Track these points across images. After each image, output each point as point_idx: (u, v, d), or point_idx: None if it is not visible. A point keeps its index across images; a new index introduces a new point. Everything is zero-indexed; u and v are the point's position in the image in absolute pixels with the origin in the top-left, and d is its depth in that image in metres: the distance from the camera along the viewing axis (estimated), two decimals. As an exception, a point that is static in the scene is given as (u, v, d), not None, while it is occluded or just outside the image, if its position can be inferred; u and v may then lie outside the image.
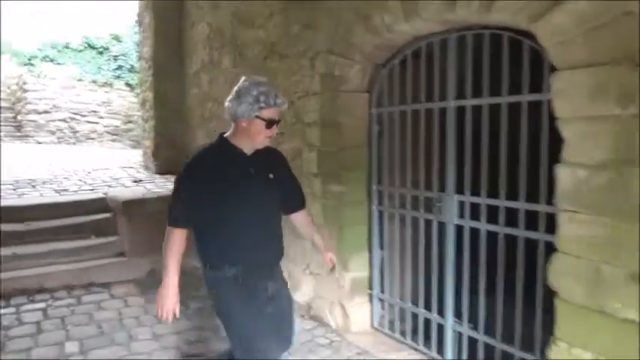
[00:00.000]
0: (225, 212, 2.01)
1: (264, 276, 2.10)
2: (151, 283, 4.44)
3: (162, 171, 6.91)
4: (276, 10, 4.04)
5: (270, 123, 1.98)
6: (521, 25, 2.20)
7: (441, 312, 2.97)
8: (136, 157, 8.45)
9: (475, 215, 2.70)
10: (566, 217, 1.98)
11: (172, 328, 3.48)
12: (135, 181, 6.44)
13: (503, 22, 2.32)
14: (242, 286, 2.03)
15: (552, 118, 2.06)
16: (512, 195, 2.47)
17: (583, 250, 1.92)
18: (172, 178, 6.31)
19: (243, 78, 2.04)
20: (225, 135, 2.09)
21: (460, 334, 2.87)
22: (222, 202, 2.00)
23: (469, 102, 2.71)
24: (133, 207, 4.85)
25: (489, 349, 2.67)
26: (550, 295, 2.11)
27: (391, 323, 3.41)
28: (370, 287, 3.51)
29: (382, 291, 3.45)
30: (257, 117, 1.95)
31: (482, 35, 2.53)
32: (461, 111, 2.75)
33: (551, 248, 2.12)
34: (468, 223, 2.75)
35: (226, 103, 2.01)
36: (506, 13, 2.16)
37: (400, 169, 3.22)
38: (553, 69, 2.05)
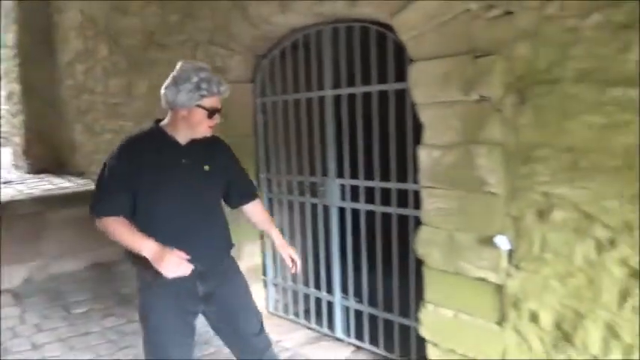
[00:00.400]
0: (150, 204, 1.85)
1: (191, 275, 1.81)
2: (28, 292, 4.12)
3: (35, 170, 6.33)
4: (153, -3, 3.91)
5: (212, 112, 1.83)
6: (384, 20, 2.39)
7: (329, 290, 3.15)
8: (4, 155, 7.62)
9: (355, 197, 2.89)
10: (427, 193, 2.23)
11: (54, 336, 3.28)
12: (4, 183, 5.84)
13: (369, 16, 2.50)
14: (161, 287, 1.83)
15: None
16: (385, 176, 2.69)
17: (440, 221, 2.18)
18: (48, 178, 5.92)
19: (180, 62, 1.85)
20: (160, 123, 1.93)
21: (347, 309, 3.07)
22: (148, 192, 1.84)
23: (344, 91, 2.88)
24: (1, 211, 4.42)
25: (373, 319, 2.90)
26: (420, 264, 2.36)
27: (285, 306, 3.53)
28: (264, 273, 3.60)
29: (276, 276, 3.55)
30: (198, 106, 1.80)
31: (354, 27, 2.71)
32: (338, 99, 2.92)
33: (419, 222, 2.36)
34: (349, 205, 2.94)
35: (163, 90, 1.83)
36: (369, 7, 2.34)
37: (286, 156, 3.33)
38: (412, 60, 2.26)
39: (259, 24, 3.00)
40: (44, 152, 6.33)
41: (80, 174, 5.90)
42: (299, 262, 2.12)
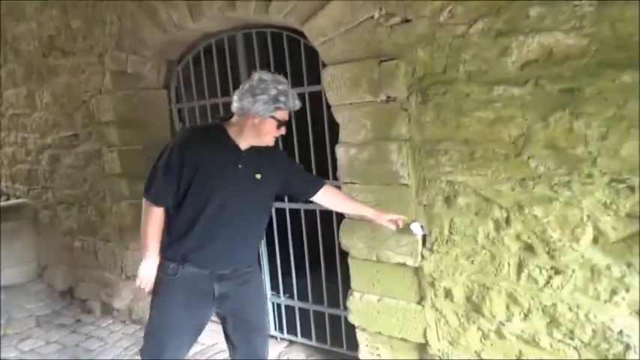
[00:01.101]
0: (195, 198, 1.87)
1: (210, 276, 1.93)
2: None
3: None
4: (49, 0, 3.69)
5: (282, 124, 1.89)
6: (295, 26, 2.48)
7: (260, 289, 3.21)
8: None
9: (280, 196, 2.96)
10: (346, 188, 2.36)
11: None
12: None
13: (280, 23, 2.59)
14: (179, 280, 1.92)
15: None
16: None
17: (361, 214, 2.33)
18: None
19: (258, 72, 1.87)
20: (224, 123, 1.95)
21: (279, 306, 3.16)
22: (197, 187, 1.86)
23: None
24: None
25: (305, 313, 3.01)
26: (345, 255, 2.50)
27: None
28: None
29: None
30: (271, 117, 1.84)
31: (266, 33, 2.77)
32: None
33: (342, 217, 2.49)
34: (274, 204, 3.01)
35: (237, 96, 1.85)
36: (279, 14, 2.42)
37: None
38: (324, 64, 2.38)
39: (170, 29, 2.96)
40: None
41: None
42: (401, 217, 2.14)
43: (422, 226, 2.16)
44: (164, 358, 1.95)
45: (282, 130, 1.93)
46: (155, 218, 1.94)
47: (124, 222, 3.53)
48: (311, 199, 2.16)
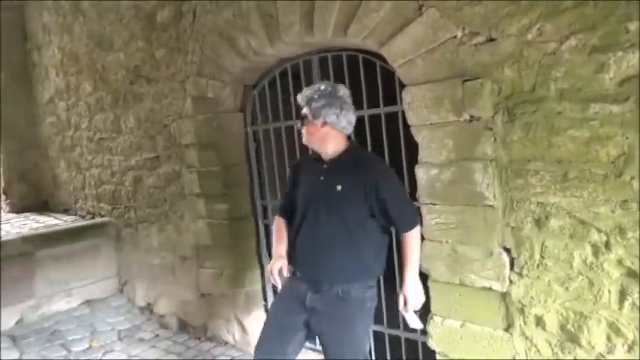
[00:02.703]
0: (297, 214, 2.13)
1: (307, 285, 2.08)
2: (24, 334, 4.03)
3: (17, 209, 6.25)
4: (136, 33, 3.97)
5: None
6: (372, 48, 2.51)
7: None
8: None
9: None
10: (426, 210, 2.33)
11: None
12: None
13: (357, 45, 2.63)
14: (285, 285, 2.17)
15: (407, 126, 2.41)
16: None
17: (442, 235, 2.28)
18: (32, 216, 5.82)
19: (340, 85, 2.20)
20: None
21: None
22: (297, 203, 2.14)
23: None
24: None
25: (379, 336, 2.96)
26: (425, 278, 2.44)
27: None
28: (265, 299, 3.63)
29: (276, 300, 3.59)
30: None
31: (342, 56, 2.83)
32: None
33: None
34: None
35: (326, 111, 2.09)
36: (358, 37, 2.46)
37: (281, 182, 3.40)
38: (403, 85, 2.39)
39: (249, 55, 3.09)
40: (25, 191, 6.26)
41: (65, 210, 5.84)
42: (414, 306, 2.14)
43: (419, 318, 2.17)
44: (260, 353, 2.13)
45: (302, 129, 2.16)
46: (278, 224, 2.33)
47: (201, 240, 3.67)
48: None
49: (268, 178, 3.48)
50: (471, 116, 2.13)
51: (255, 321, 3.57)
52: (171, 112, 3.73)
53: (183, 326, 3.94)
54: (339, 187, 2.00)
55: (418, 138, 2.33)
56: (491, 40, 2.03)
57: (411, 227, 2.11)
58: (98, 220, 4.95)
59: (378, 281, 2.28)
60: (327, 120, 2.09)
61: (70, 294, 4.54)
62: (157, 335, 3.95)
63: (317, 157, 2.13)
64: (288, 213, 2.22)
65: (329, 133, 2.11)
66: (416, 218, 2.14)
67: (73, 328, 4.09)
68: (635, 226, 1.75)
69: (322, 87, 2.13)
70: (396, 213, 2.06)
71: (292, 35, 2.79)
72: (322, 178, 2.03)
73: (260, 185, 3.56)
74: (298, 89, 3.10)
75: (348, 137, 2.25)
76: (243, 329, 3.55)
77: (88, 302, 4.58)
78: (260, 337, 2.20)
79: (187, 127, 3.59)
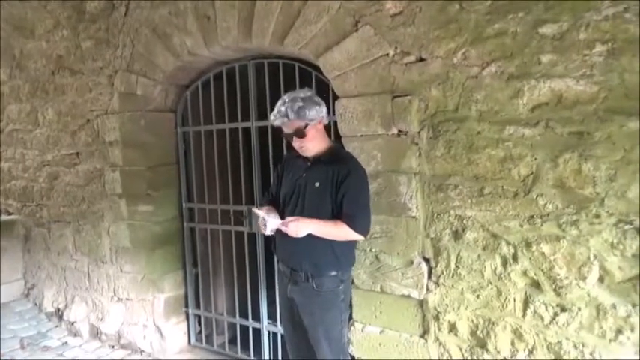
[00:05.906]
0: (281, 206, 2.21)
1: (288, 275, 2.21)
2: None
3: None
4: (62, 21, 3.75)
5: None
6: (309, 59, 2.56)
7: (256, 317, 3.18)
8: None
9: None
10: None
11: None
12: None
13: (294, 55, 2.67)
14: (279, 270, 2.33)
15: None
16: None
17: (366, 244, 2.35)
18: None
19: (305, 88, 2.16)
20: None
21: (275, 334, 3.12)
22: (281, 195, 2.23)
23: (269, 123, 2.97)
24: None
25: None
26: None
27: (208, 337, 3.48)
28: (186, 305, 3.52)
29: (198, 307, 3.50)
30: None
31: (278, 63, 2.85)
32: (265, 130, 3.01)
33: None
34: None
35: (307, 106, 2.06)
36: (295, 47, 2.50)
37: (209, 185, 3.34)
38: (336, 96, 2.45)
39: (183, 55, 3.03)
40: None
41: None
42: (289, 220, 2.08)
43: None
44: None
45: (294, 142, 2.12)
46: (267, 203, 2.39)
47: (121, 243, 3.50)
48: None
49: (196, 181, 3.40)
50: (399, 131, 2.23)
51: (174, 327, 3.46)
52: (96, 107, 3.55)
53: (95, 333, 3.71)
54: (317, 184, 2.11)
55: (349, 149, 2.40)
56: (421, 60, 2.15)
57: (356, 230, 2.05)
58: (5, 217, 4.56)
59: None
60: (320, 116, 2.09)
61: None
62: (65, 343, 3.69)
63: (299, 155, 2.19)
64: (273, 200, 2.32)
65: (318, 131, 2.13)
66: (365, 227, 2.08)
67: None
68: (540, 240, 1.91)
69: (301, 95, 2.09)
70: (348, 212, 2.04)
71: (229, 40, 2.77)
72: (304, 175, 2.14)
73: (187, 188, 3.47)
74: (232, 92, 3.11)
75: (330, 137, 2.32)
76: (162, 336, 3.42)
77: (-10, 307, 4.19)
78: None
79: (112, 124, 3.43)
